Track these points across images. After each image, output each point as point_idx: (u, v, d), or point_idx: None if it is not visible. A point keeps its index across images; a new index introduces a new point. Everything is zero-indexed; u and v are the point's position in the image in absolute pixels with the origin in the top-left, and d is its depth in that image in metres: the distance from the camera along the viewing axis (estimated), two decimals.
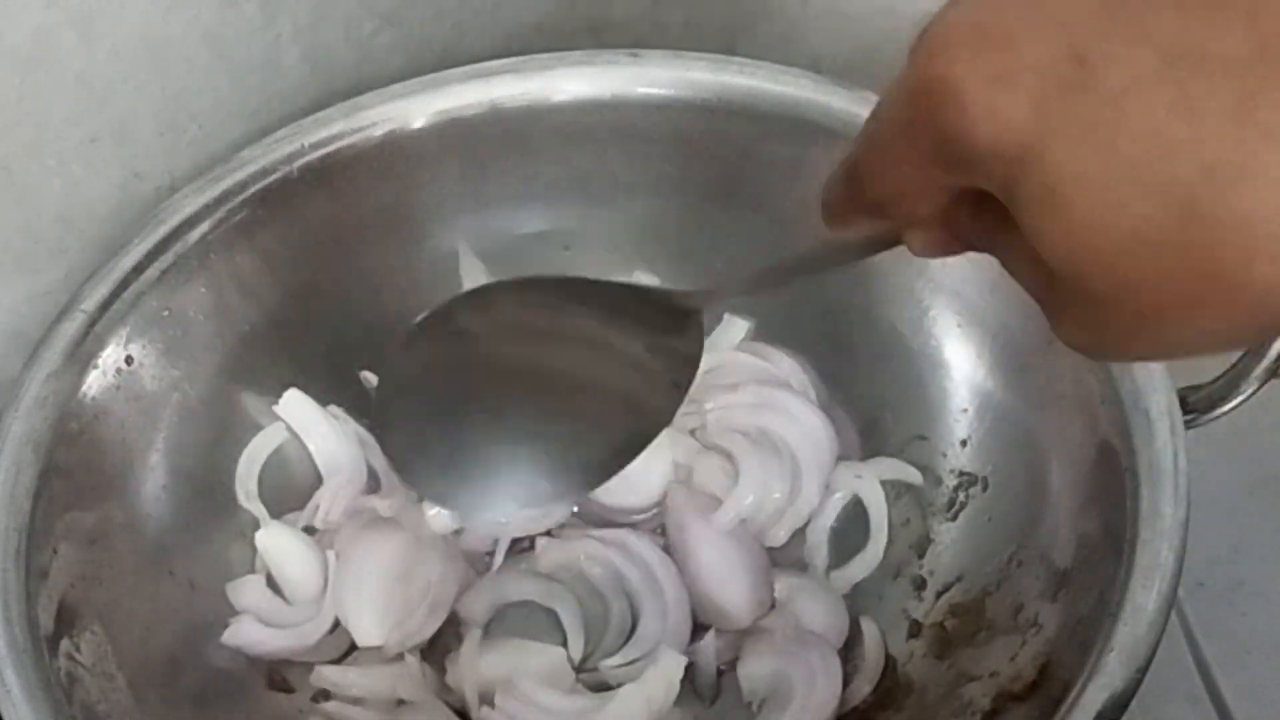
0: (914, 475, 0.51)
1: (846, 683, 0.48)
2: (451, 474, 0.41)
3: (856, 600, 0.51)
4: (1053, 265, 0.24)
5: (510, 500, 0.41)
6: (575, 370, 0.42)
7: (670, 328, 0.41)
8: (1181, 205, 0.22)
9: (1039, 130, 0.23)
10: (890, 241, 0.31)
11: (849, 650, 0.49)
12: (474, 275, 0.54)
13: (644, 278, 0.56)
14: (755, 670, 0.48)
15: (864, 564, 0.51)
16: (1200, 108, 0.22)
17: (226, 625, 0.48)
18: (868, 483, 0.52)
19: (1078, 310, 0.24)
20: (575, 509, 0.53)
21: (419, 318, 0.42)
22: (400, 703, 0.48)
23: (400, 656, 0.49)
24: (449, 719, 0.48)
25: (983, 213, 0.27)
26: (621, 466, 0.41)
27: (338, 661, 0.49)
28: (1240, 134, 0.21)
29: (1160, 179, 0.22)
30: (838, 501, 0.52)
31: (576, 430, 0.41)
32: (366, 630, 0.49)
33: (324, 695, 0.48)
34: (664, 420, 0.40)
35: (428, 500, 0.46)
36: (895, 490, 0.52)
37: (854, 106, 0.49)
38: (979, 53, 0.24)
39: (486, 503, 0.41)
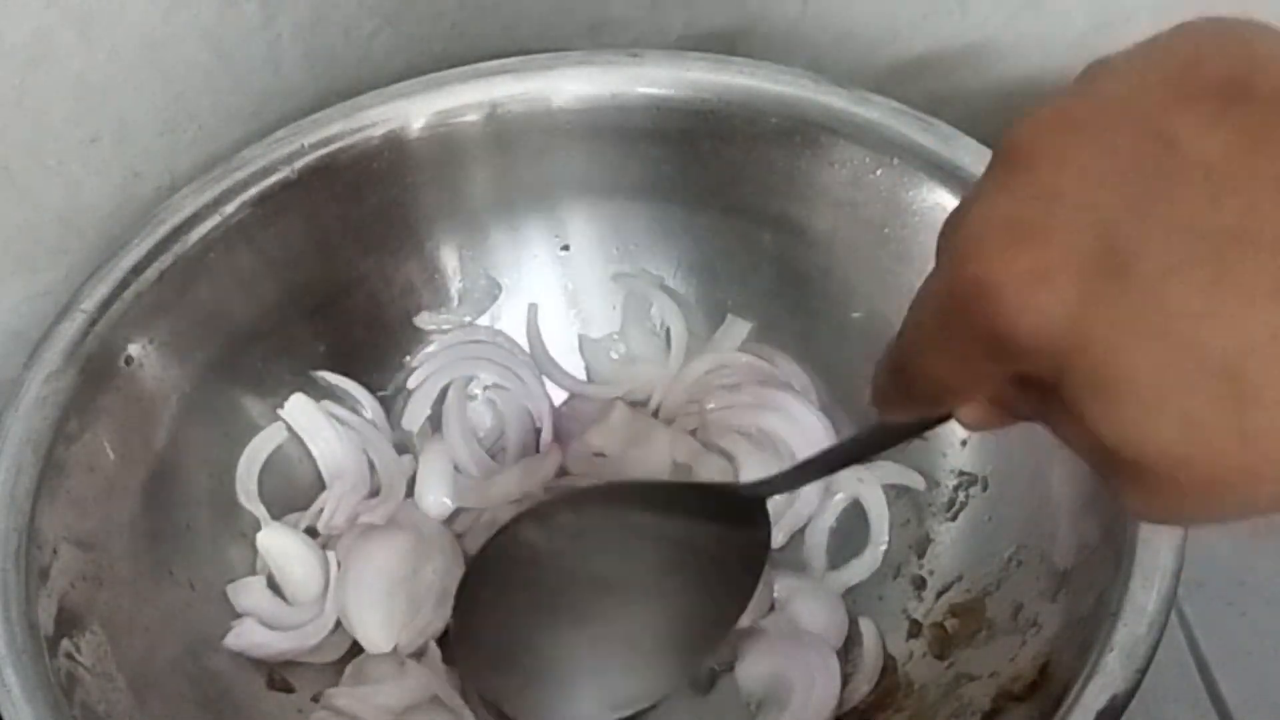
0: (916, 480, 0.51)
1: (845, 683, 0.48)
2: (534, 688, 0.44)
3: (856, 600, 0.51)
4: (1110, 448, 0.24)
5: (593, 707, 0.44)
6: (647, 574, 0.44)
7: (737, 518, 0.43)
8: (1231, 387, 0.22)
9: (1081, 325, 0.23)
10: (941, 419, 0.31)
11: (848, 650, 0.49)
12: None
13: (645, 277, 0.56)
14: (754, 671, 0.48)
15: (863, 566, 0.51)
16: (1239, 286, 0.22)
17: (227, 625, 0.48)
18: (869, 486, 0.52)
19: (1139, 485, 0.24)
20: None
21: (488, 540, 0.45)
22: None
23: (418, 656, 0.49)
24: (458, 711, 0.48)
25: (1031, 389, 0.26)
26: (705, 656, 0.45)
27: (341, 662, 0.49)
28: None
29: (1207, 364, 0.22)
30: (838, 503, 0.52)
31: (655, 633, 0.44)
32: (375, 640, 0.49)
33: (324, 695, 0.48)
34: (739, 607, 0.44)
35: (509, 712, 0.46)
36: (895, 490, 0.52)
37: (854, 106, 0.49)
38: (1012, 250, 0.24)
39: (571, 712, 0.44)
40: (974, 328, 0.24)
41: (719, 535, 0.43)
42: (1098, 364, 0.23)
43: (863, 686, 0.48)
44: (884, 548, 0.51)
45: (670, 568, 0.44)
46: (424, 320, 0.55)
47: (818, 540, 0.52)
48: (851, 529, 0.52)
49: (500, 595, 0.44)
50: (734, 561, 0.43)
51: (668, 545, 0.44)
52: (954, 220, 0.27)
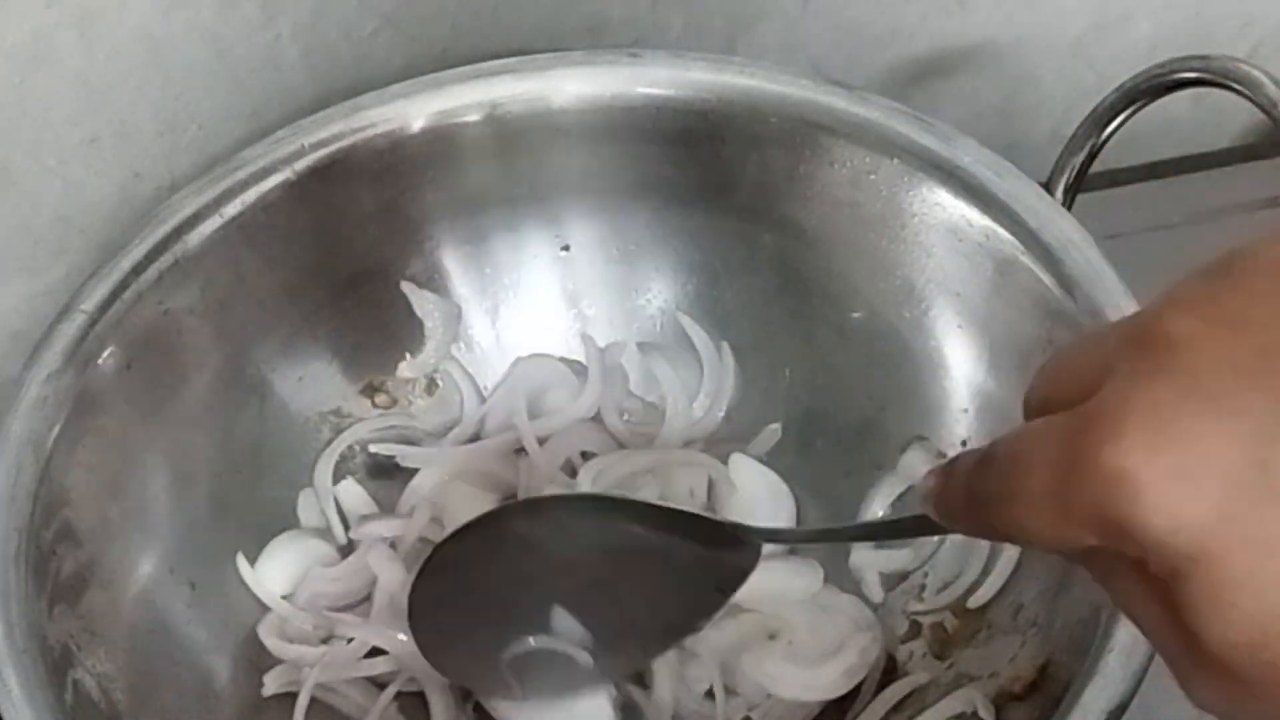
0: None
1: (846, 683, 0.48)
2: (484, 664, 0.44)
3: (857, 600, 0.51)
4: (1212, 653, 0.23)
5: (540, 689, 0.45)
6: (620, 570, 0.44)
7: (726, 545, 0.42)
8: None
9: (1220, 537, 0.22)
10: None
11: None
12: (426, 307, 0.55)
13: (646, 279, 0.56)
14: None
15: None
16: None
17: (227, 625, 0.49)
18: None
19: (1223, 685, 0.24)
20: None
21: (472, 519, 0.44)
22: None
23: None
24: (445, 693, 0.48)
25: (1119, 563, 0.26)
26: (657, 655, 0.45)
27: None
28: None
29: None
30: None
31: (615, 621, 0.44)
32: None
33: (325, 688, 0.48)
34: (704, 619, 0.43)
35: (458, 682, 0.47)
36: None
37: (854, 106, 0.49)
38: (1158, 445, 0.23)
39: (514, 690, 0.44)
40: (1095, 509, 0.24)
41: (703, 555, 0.43)
42: (1226, 578, 0.23)
43: (864, 686, 0.48)
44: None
45: (643, 567, 0.44)
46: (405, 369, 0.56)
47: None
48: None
49: (467, 570, 0.44)
50: (710, 579, 0.43)
51: (646, 549, 0.43)
52: (1070, 372, 0.26)
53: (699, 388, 0.55)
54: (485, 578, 0.44)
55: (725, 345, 0.55)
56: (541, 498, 0.50)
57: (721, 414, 0.55)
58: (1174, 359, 0.23)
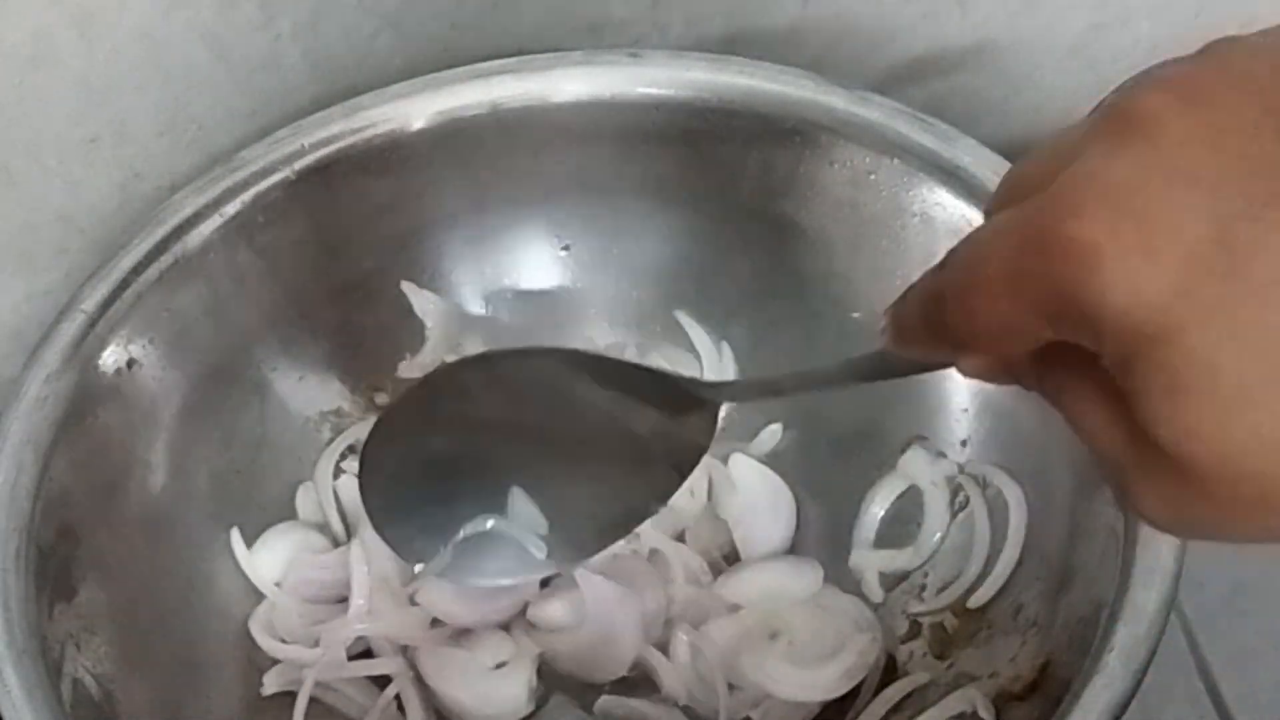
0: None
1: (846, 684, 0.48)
2: (436, 538, 0.41)
3: (857, 599, 0.51)
4: (1163, 445, 0.23)
5: (494, 569, 0.42)
6: (577, 443, 0.41)
7: (683, 412, 0.40)
8: None
9: (1177, 313, 0.22)
10: (941, 364, 0.30)
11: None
12: (426, 307, 0.55)
13: (644, 275, 0.56)
14: None
15: (905, 558, 0.51)
16: None
17: (226, 626, 0.49)
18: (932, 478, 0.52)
19: (1170, 489, 0.23)
20: None
21: (424, 375, 0.42)
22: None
23: None
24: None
25: (1055, 360, 0.26)
26: (610, 543, 0.42)
27: None
28: None
29: None
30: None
31: (571, 503, 0.41)
32: None
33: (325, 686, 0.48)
34: (659, 502, 0.41)
35: (408, 562, 0.44)
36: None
37: (854, 106, 0.49)
38: (1120, 218, 0.22)
39: (470, 569, 0.42)
40: (1053, 285, 0.23)
41: (660, 426, 0.40)
42: (1181, 358, 0.22)
43: (863, 687, 0.48)
44: (938, 536, 0.51)
45: (602, 444, 0.41)
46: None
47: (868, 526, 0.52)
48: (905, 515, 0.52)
49: (420, 431, 0.42)
50: (664, 454, 0.41)
51: (608, 422, 0.41)
52: (1035, 170, 0.25)
53: None
54: (440, 445, 0.42)
55: (725, 345, 0.55)
56: (496, 351, 0.48)
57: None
58: (1143, 134, 0.23)
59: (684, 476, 0.41)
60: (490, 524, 0.42)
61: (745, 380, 0.42)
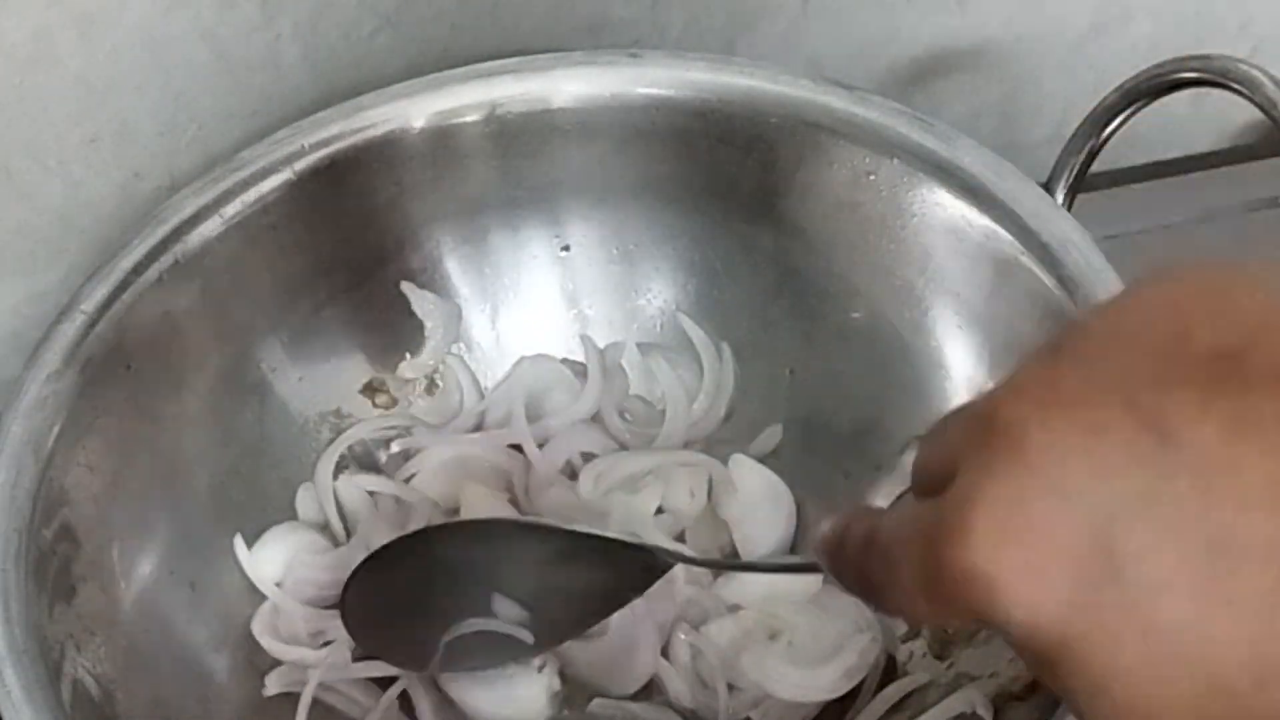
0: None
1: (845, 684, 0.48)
2: (426, 646, 0.46)
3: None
4: None
5: (477, 663, 0.46)
6: (552, 572, 0.45)
7: (641, 567, 0.44)
8: (1223, 701, 0.22)
9: (1076, 626, 0.23)
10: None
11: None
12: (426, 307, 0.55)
13: (646, 279, 0.56)
14: None
15: None
16: (1233, 601, 0.22)
17: (226, 625, 0.48)
18: None
19: None
20: None
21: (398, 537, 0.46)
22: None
23: None
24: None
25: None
26: (591, 625, 0.47)
27: None
28: (1275, 627, 0.22)
29: (1199, 676, 0.22)
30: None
31: (550, 596, 0.45)
32: None
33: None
34: (638, 593, 0.45)
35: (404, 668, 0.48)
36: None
37: (854, 106, 0.49)
38: (1004, 539, 0.23)
39: (461, 664, 0.47)
40: (959, 605, 0.24)
41: (627, 563, 0.44)
42: (1089, 667, 0.23)
43: (863, 687, 0.48)
44: None
45: (573, 573, 0.45)
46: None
47: None
48: None
49: (398, 579, 0.45)
50: (620, 581, 0.45)
51: (576, 564, 0.45)
52: (934, 458, 0.26)
53: (699, 388, 0.55)
54: (420, 580, 0.45)
55: (725, 345, 0.55)
56: (463, 521, 0.51)
57: (721, 414, 0.55)
58: (1009, 446, 0.23)
59: (656, 576, 0.44)
60: (475, 624, 0.45)
61: (706, 559, 0.48)
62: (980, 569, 0.23)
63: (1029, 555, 0.23)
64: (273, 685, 0.48)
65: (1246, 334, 0.23)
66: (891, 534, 0.27)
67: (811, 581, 0.50)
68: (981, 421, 0.24)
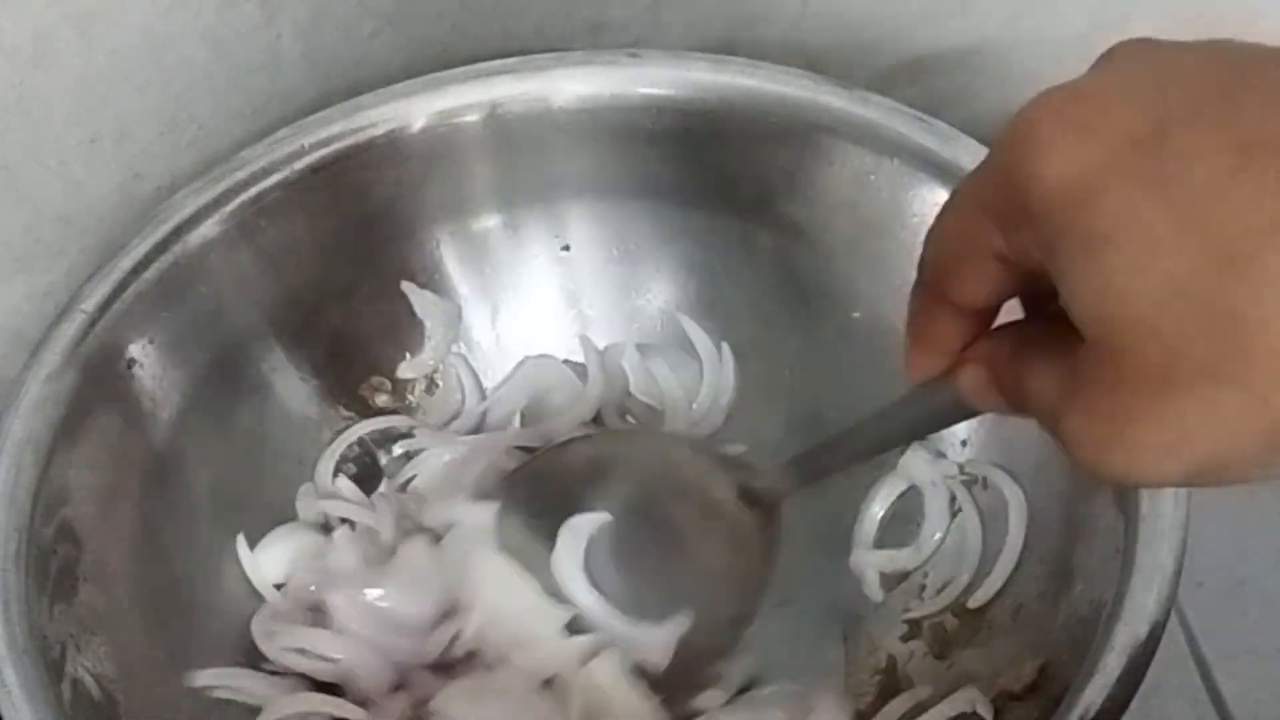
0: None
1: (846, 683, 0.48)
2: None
3: (857, 601, 0.51)
4: (1080, 319, 0.25)
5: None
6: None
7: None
8: (1221, 258, 0.23)
9: (1103, 179, 0.24)
10: (966, 411, 0.34)
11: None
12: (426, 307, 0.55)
13: (647, 279, 0.56)
14: None
15: (906, 557, 0.51)
16: (1260, 179, 0.23)
17: (227, 627, 0.48)
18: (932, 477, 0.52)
19: (1095, 392, 0.25)
20: None
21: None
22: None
23: None
24: None
25: (1025, 347, 0.29)
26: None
27: None
28: None
29: (1206, 230, 0.23)
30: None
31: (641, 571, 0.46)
32: None
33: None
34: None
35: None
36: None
37: (854, 106, 0.49)
38: (1068, 105, 0.25)
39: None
40: (1004, 169, 0.26)
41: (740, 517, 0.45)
42: (1101, 213, 0.24)
43: (864, 687, 0.48)
44: (938, 536, 0.51)
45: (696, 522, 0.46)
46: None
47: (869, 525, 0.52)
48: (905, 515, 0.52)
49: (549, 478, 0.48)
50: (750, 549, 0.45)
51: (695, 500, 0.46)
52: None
53: (699, 388, 0.56)
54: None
55: (725, 345, 0.55)
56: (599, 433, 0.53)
57: (722, 415, 0.55)
58: (1108, 60, 0.27)
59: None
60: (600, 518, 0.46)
61: (799, 463, 0.45)
62: (1036, 122, 0.25)
63: (1085, 115, 0.25)
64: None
65: (1236, 67, 0.26)
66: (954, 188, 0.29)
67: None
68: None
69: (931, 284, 0.31)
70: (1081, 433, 0.26)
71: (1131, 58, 0.27)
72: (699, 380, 0.55)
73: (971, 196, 0.28)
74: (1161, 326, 0.23)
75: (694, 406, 0.55)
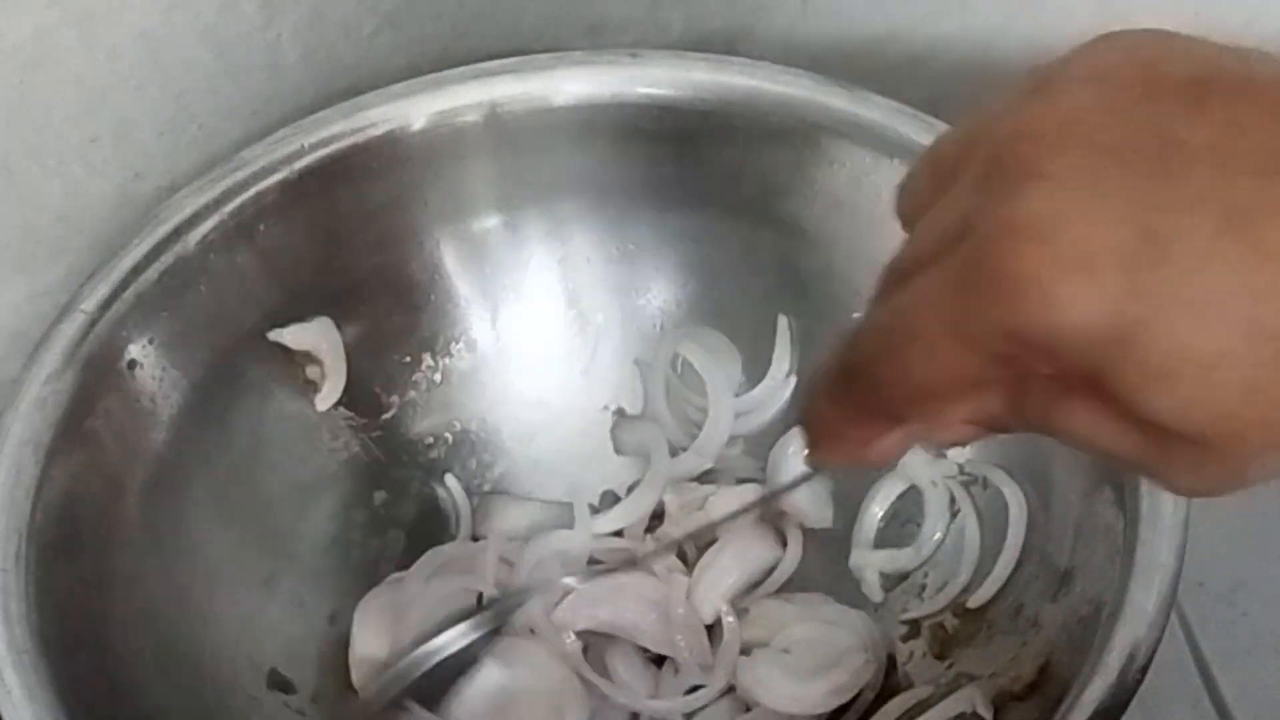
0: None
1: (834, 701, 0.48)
2: None
3: (856, 601, 0.51)
4: (1171, 428, 0.24)
5: None
6: None
7: None
8: (1275, 345, 0.23)
9: (1133, 311, 0.23)
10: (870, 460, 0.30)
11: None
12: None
13: (647, 279, 0.56)
14: None
15: (905, 558, 0.52)
16: (1264, 252, 0.23)
17: (228, 628, 0.48)
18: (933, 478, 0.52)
19: (1193, 462, 0.25)
20: None
21: None
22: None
23: None
24: None
25: (1030, 395, 0.26)
26: None
27: None
28: None
29: (1259, 331, 0.23)
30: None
31: None
32: None
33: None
34: None
35: None
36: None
37: (854, 106, 0.49)
38: (1048, 243, 0.23)
39: None
40: (1000, 325, 0.24)
41: None
42: (1155, 349, 0.23)
43: (864, 687, 0.48)
44: (938, 536, 0.51)
45: None
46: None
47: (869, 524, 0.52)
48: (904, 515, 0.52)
49: None
50: None
51: None
52: (929, 244, 0.26)
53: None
54: None
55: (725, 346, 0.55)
56: None
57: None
58: (1031, 173, 0.24)
59: None
60: None
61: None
62: (1024, 273, 0.23)
63: (1077, 252, 0.23)
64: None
65: (1212, 67, 0.25)
66: (897, 303, 0.26)
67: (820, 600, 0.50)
68: (991, 166, 0.25)
69: (887, 416, 0.29)
70: (1186, 484, 0.26)
71: (1047, 127, 0.25)
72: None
73: (949, 343, 0.25)
74: (1256, 420, 0.23)
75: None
